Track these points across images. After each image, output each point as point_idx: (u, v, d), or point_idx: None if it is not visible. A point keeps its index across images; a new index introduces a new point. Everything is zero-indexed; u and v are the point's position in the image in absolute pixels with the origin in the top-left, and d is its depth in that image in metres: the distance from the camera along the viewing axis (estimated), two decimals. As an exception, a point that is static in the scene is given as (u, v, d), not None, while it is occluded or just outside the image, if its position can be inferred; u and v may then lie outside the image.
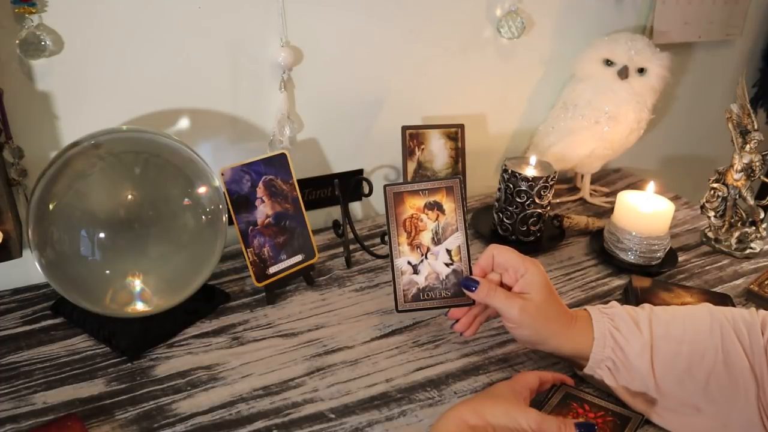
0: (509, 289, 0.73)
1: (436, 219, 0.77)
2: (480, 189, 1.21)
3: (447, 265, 0.77)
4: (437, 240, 0.77)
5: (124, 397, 0.71)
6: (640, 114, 1.14)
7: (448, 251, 0.77)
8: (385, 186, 0.77)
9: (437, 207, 0.77)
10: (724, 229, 1.08)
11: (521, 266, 0.71)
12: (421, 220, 0.77)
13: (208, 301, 0.85)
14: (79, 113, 0.84)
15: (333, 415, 0.70)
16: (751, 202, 1.06)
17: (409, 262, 0.77)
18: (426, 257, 0.77)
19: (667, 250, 1.00)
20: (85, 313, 0.77)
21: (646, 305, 0.74)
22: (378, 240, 1.01)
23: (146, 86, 0.87)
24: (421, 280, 0.77)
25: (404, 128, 1.04)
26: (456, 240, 0.77)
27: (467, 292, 0.73)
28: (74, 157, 0.72)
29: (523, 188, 0.99)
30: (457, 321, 0.77)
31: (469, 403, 0.60)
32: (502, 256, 0.73)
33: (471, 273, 0.75)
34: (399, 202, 0.77)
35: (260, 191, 0.85)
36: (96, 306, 0.73)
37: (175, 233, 0.74)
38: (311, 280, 0.92)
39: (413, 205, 0.77)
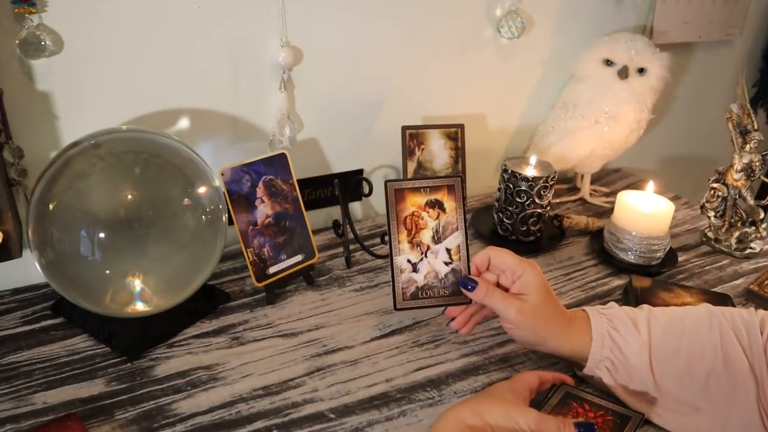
0: (506, 290, 0.73)
1: (437, 217, 0.77)
2: (480, 189, 1.21)
3: (446, 264, 0.76)
4: (437, 238, 0.77)
5: (124, 397, 0.71)
6: (640, 114, 1.14)
7: (448, 250, 0.77)
8: (386, 182, 0.76)
9: (438, 205, 0.77)
10: (724, 229, 1.08)
11: (518, 268, 0.72)
12: (422, 218, 0.77)
13: (208, 301, 0.85)
14: (79, 113, 0.84)
15: (333, 415, 0.70)
16: (751, 202, 1.06)
17: (408, 260, 0.77)
18: (426, 256, 0.77)
19: (667, 250, 1.00)
20: (85, 313, 0.77)
21: (645, 306, 0.74)
22: (378, 240, 1.01)
23: (146, 86, 0.87)
24: (420, 278, 0.77)
25: (404, 128, 1.04)
26: (456, 239, 0.77)
27: (465, 292, 0.73)
28: (74, 157, 0.72)
29: (523, 188, 0.99)
30: (453, 319, 0.77)
31: (467, 404, 0.60)
32: (499, 258, 0.73)
33: (470, 273, 0.75)
34: (400, 199, 0.77)
35: (260, 191, 0.85)
36: (96, 306, 0.73)
37: (175, 233, 0.75)
38: (311, 280, 0.92)
39: (414, 202, 0.77)
